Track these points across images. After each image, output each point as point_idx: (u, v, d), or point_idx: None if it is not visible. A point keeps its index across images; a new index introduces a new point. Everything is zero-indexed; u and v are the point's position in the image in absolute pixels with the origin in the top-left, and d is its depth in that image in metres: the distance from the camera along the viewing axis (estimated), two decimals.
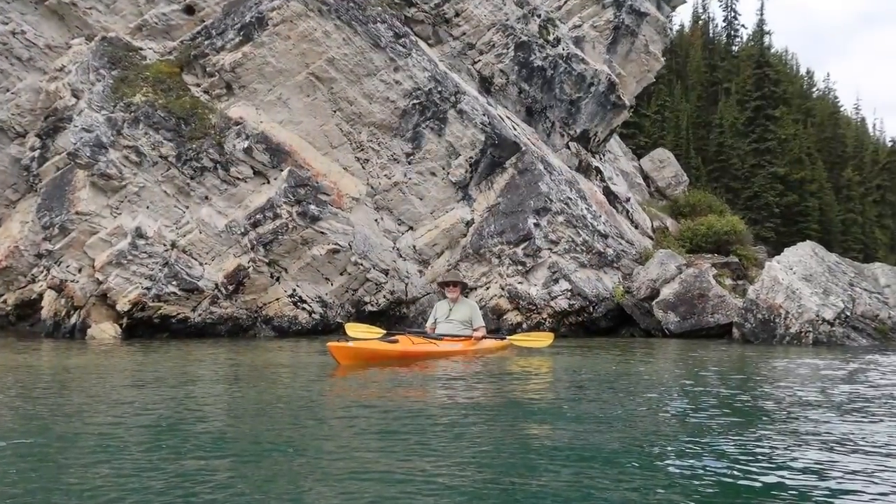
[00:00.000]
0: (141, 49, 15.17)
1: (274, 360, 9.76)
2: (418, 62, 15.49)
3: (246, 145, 14.26)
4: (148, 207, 13.94)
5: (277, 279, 14.84)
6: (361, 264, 15.20)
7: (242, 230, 14.13)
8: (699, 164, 43.02)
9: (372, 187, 15.71)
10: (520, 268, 15.81)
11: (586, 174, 19.19)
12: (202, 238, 13.99)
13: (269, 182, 14.57)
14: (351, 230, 14.88)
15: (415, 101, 15.49)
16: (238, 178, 14.37)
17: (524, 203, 16.08)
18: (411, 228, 16.28)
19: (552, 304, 15.73)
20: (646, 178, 28.52)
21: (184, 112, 14.32)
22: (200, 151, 14.09)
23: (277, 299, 15.00)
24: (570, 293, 15.77)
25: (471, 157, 16.00)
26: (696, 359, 10.45)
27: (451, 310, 10.59)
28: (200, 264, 14.01)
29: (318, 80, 14.82)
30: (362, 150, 15.47)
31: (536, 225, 15.88)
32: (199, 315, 14.25)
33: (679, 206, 25.10)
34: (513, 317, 15.99)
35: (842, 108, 71.24)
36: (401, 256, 16.12)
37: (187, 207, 14.21)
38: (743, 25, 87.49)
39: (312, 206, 14.32)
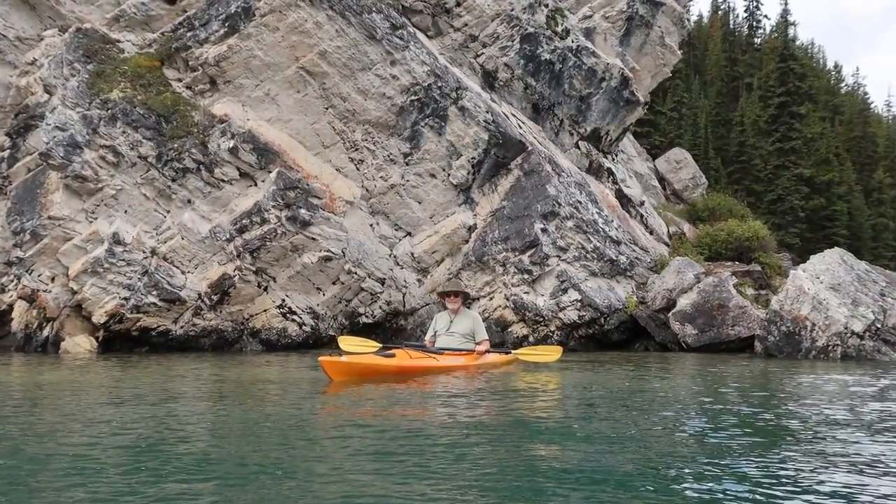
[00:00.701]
0: (118, 41, 15.21)
1: (261, 376, 9.76)
2: (417, 55, 15.52)
3: (231, 145, 14.28)
4: (126, 212, 13.96)
5: (265, 289, 14.85)
6: (356, 273, 15.21)
7: (227, 236, 14.14)
8: (719, 165, 43.08)
9: (367, 190, 15.73)
10: (526, 277, 15.81)
11: (597, 176, 19.22)
12: (184, 245, 14.01)
13: (256, 184, 14.59)
14: (344, 236, 14.90)
15: (413, 98, 15.52)
16: (223, 181, 14.39)
17: (530, 207, 16.10)
18: (409, 234, 16.30)
19: (560, 315, 15.73)
20: (661, 180, 28.55)
21: (164, 109, 14.35)
22: (182, 151, 14.12)
23: (265, 310, 15.01)
24: (579, 304, 15.77)
25: (473, 158, 16.02)
26: (716, 374, 10.44)
27: (451, 322, 10.60)
28: (182, 273, 14.02)
29: (309, 75, 14.85)
30: (356, 149, 15.50)
31: (544, 230, 15.89)
32: (181, 327, 14.25)
33: (697, 211, 25.12)
34: (518, 329, 15.99)
35: (872, 105, 71.47)
36: (398, 264, 16.13)
37: (168, 212, 14.23)
38: (766, 16, 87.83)
39: (303, 211, 14.34)
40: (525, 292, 15.82)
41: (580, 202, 16.59)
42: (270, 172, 14.40)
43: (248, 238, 14.16)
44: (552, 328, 15.85)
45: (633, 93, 19.06)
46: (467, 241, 16.22)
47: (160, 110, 14.31)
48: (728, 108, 49.25)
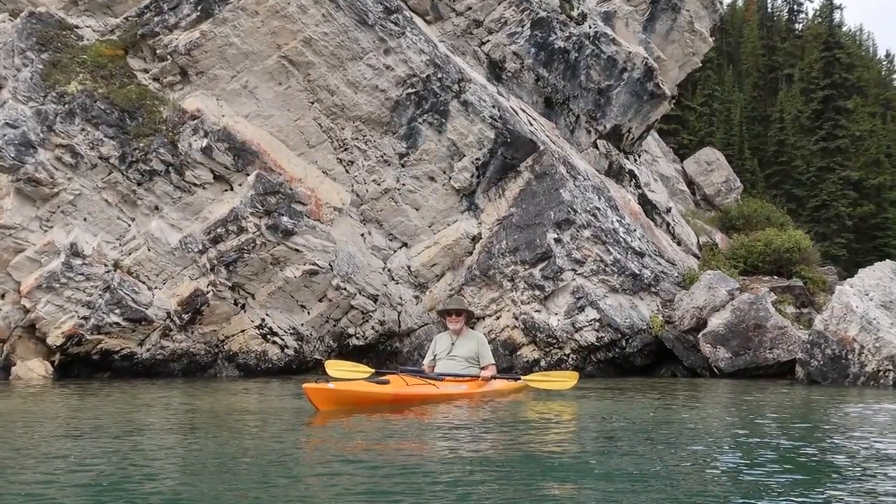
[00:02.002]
0: (77, 27, 15.26)
1: (238, 405, 9.76)
2: (414, 43, 15.58)
3: (204, 144, 14.32)
4: (85, 219, 13.98)
5: (243, 307, 14.86)
6: (345, 289, 15.23)
7: (200, 247, 14.16)
8: (755, 166, 43.07)
9: (357, 195, 15.76)
10: (537, 293, 15.82)
11: (618, 179, 19.25)
12: (151, 257, 14.03)
13: (232, 189, 14.62)
14: (332, 247, 14.91)
15: (409, 91, 15.56)
16: (195, 184, 14.42)
17: (542, 214, 16.12)
18: (405, 245, 16.32)
19: (576, 336, 15.73)
20: (690, 183, 28.57)
21: (129, 104, 14.39)
22: (149, 152, 14.15)
23: (243, 331, 15.02)
24: (597, 324, 15.78)
25: (477, 159, 16.05)
26: (752, 403, 10.44)
27: (453, 344, 10.60)
28: (149, 289, 14.04)
29: (293, 65, 14.91)
30: (346, 149, 15.54)
31: (557, 241, 15.91)
32: (148, 350, 14.26)
33: (731, 218, 25.12)
34: (528, 352, 16.00)
35: None
36: (393, 279, 16.15)
37: (133, 220, 14.26)
38: None
39: (285, 218, 14.37)
40: (536, 311, 15.83)
41: (598, 209, 16.62)
42: (248, 175, 14.43)
43: (223, 249, 14.18)
44: (567, 351, 15.85)
45: (659, 85, 19.11)
46: (471, 253, 16.24)
47: (124, 105, 14.35)
48: (766, 102, 49.30)
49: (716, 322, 15.73)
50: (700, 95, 43.22)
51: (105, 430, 7.12)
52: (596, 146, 18.82)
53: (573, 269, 15.94)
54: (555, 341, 15.73)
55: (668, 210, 20.74)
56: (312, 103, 15.20)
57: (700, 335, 15.80)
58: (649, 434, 7.15)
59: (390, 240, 16.22)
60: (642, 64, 18.59)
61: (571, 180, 16.53)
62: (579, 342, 15.75)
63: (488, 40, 17.35)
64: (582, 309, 15.79)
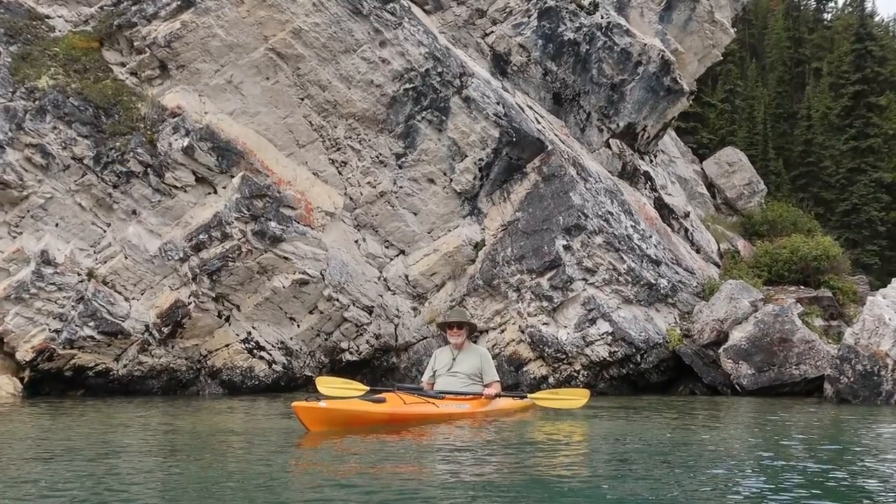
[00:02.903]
0: (48, 17, 15.32)
1: (222, 426, 9.76)
2: (412, 35, 15.61)
3: (186, 143, 14.34)
4: (57, 225, 14.00)
5: (227, 319, 14.87)
6: (337, 300, 15.23)
7: (181, 255, 14.17)
8: (780, 168, 43.11)
9: (351, 199, 15.78)
10: (545, 304, 15.82)
11: (632, 181, 19.27)
12: (128, 265, 14.04)
13: (215, 192, 14.64)
14: (324, 255, 14.93)
15: (407, 86, 15.59)
16: (175, 187, 14.44)
17: (550, 219, 16.13)
18: (403, 252, 16.34)
19: (587, 351, 15.73)
20: (710, 186, 28.60)
21: (104, 100, 14.42)
22: (126, 152, 14.17)
23: (227, 346, 15.02)
24: (610, 337, 15.77)
25: (480, 160, 16.07)
26: (777, 423, 10.45)
27: (454, 359, 10.61)
28: (126, 299, 14.05)
29: (281, 59, 14.94)
30: (338, 149, 15.56)
31: (567, 248, 15.91)
32: (125, 366, 14.27)
33: (754, 224, 25.13)
34: (536, 368, 16.00)
35: None
36: (389, 289, 16.16)
37: (109, 225, 14.28)
38: None
39: (273, 224, 14.38)
40: (544, 323, 15.83)
41: (611, 214, 16.62)
42: (233, 177, 14.45)
43: (205, 257, 14.18)
44: (577, 367, 15.85)
45: (676, 80, 19.13)
46: (473, 261, 16.24)
47: (99, 101, 14.38)
48: (792, 98, 49.34)
49: (738, 336, 15.73)
50: (721, 91, 43.27)
51: (78, 452, 7.13)
52: (608, 146, 18.83)
53: (584, 279, 15.94)
54: (564, 356, 15.72)
55: (687, 215, 20.75)
56: (302, 99, 15.22)
57: (721, 350, 15.80)
58: (666, 457, 7.16)
59: (386, 247, 16.24)
60: (658, 57, 18.61)
61: (582, 183, 16.54)
62: (590, 357, 15.74)
63: (492, 32, 17.38)
64: (593, 321, 15.78)
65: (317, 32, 14.94)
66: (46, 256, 13.54)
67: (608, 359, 15.83)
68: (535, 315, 15.89)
